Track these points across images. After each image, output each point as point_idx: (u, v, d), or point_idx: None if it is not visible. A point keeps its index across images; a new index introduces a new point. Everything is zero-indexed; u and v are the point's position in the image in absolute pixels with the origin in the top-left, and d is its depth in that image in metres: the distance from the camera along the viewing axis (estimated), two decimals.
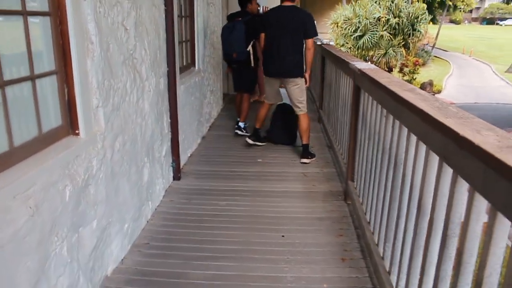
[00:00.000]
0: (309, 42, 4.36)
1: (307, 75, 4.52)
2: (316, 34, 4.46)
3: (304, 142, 4.52)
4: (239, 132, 5.40)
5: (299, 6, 5.00)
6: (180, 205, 3.48)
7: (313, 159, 4.50)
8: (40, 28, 1.96)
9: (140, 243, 2.89)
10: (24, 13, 1.81)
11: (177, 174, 3.89)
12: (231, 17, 5.26)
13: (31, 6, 1.88)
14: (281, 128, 5.09)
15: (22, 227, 1.66)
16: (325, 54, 5.80)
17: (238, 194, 3.68)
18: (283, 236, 2.99)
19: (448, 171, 1.50)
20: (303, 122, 4.52)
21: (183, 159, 4.19)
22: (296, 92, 4.47)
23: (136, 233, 2.94)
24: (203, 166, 4.36)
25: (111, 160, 2.51)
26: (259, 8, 5.71)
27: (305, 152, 4.50)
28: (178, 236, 2.99)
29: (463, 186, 1.40)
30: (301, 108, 4.50)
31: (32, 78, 1.89)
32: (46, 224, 1.84)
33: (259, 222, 3.19)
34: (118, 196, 2.63)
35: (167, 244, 2.89)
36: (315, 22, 4.47)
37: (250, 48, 5.08)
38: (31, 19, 1.86)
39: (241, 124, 5.46)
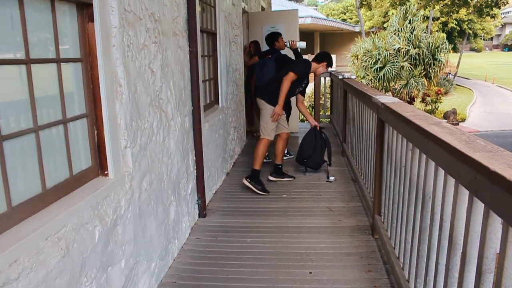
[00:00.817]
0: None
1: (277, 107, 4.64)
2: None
3: (254, 167, 4.66)
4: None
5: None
6: (206, 242, 3.47)
7: (257, 188, 4.57)
8: (72, 73, 2.04)
9: (167, 281, 2.88)
10: (58, 61, 1.90)
11: (203, 211, 3.91)
12: (263, 55, 5.83)
13: (64, 53, 1.96)
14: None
15: (53, 269, 1.69)
16: (347, 88, 5.83)
17: (263, 230, 3.66)
18: (310, 272, 2.94)
19: (479, 205, 1.47)
20: (258, 146, 4.72)
21: (208, 196, 4.21)
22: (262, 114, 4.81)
23: (163, 271, 2.94)
24: (228, 203, 4.37)
25: (139, 200, 2.54)
26: (286, 43, 5.92)
27: (252, 176, 4.64)
28: (205, 274, 2.97)
29: (496, 221, 1.37)
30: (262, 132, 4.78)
31: (64, 121, 1.96)
32: (76, 265, 1.87)
33: (285, 259, 3.15)
34: (146, 235, 2.65)
35: (193, 283, 2.88)
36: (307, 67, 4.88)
37: None
38: (64, 66, 1.94)
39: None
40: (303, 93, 5.17)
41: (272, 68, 5.09)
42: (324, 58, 4.93)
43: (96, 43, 2.12)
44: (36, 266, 1.57)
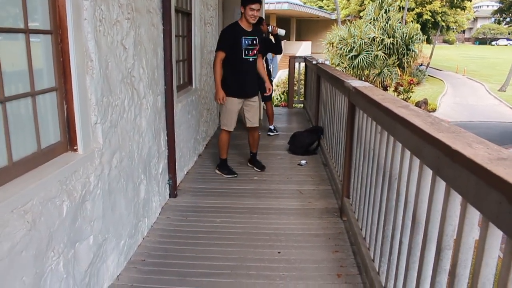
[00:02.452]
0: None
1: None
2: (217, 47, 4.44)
3: (220, 157, 4.70)
4: (272, 134, 6.59)
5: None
6: (176, 222, 3.48)
7: (224, 173, 4.62)
8: (42, 45, 2.00)
9: (136, 259, 2.89)
10: (27, 31, 1.85)
11: (174, 191, 3.90)
12: None
13: (33, 25, 1.92)
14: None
15: (19, 242, 1.67)
16: (320, 73, 5.87)
17: (234, 211, 3.69)
18: (279, 252, 2.99)
19: (441, 184, 1.53)
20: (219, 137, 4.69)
21: (179, 177, 4.20)
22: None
23: (132, 249, 2.94)
24: (199, 183, 4.37)
25: (108, 177, 2.52)
26: (268, 28, 6.21)
27: (219, 165, 4.72)
28: (174, 253, 2.98)
29: (456, 199, 1.43)
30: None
31: (33, 94, 1.92)
32: (43, 239, 1.85)
33: (255, 239, 3.19)
34: (115, 213, 2.64)
35: (163, 261, 2.88)
36: (221, 36, 4.48)
37: None
38: (33, 37, 1.90)
39: (271, 127, 6.65)
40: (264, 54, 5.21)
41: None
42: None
43: (67, 16, 2.07)
44: (1, 239, 1.56)
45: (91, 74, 2.28)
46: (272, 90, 4.70)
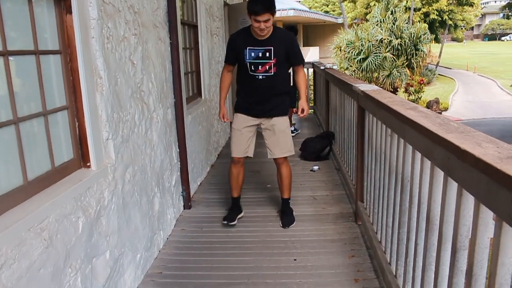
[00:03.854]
0: None
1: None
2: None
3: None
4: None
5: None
6: (192, 233, 3.49)
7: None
8: (52, 65, 2.04)
9: (153, 272, 2.90)
10: (37, 53, 1.89)
11: (188, 202, 3.92)
12: None
13: (43, 45, 1.96)
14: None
15: (37, 260, 1.70)
16: (328, 78, 5.88)
17: (248, 220, 3.69)
18: (295, 259, 2.99)
19: (453, 185, 1.52)
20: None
21: (193, 188, 4.23)
22: None
23: (148, 262, 2.95)
24: (212, 194, 4.39)
25: (122, 191, 2.55)
26: None
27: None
28: (191, 264, 3.00)
29: (469, 199, 1.42)
30: None
31: (45, 113, 1.96)
32: (60, 256, 1.88)
33: (270, 246, 3.19)
34: (130, 227, 2.66)
35: (179, 273, 2.90)
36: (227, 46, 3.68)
37: None
38: (43, 58, 1.94)
39: (292, 128, 6.53)
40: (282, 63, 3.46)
41: None
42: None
43: (75, 35, 2.11)
44: (19, 257, 1.58)
45: (100, 91, 2.31)
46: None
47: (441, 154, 1.55)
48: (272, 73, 3.30)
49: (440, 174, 1.66)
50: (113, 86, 2.44)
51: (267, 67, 3.28)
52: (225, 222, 3.51)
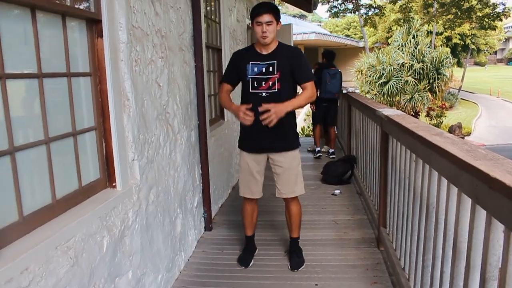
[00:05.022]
0: None
1: None
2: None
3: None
4: (332, 156, 6.96)
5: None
6: (212, 255, 3.49)
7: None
8: (82, 87, 2.10)
9: None
10: (68, 75, 1.95)
11: (209, 224, 3.93)
12: (327, 66, 7.00)
13: (74, 67, 2.02)
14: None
15: (63, 278, 1.72)
16: (351, 101, 5.88)
17: (269, 243, 3.67)
18: (316, 285, 2.95)
19: (482, 213, 1.49)
20: None
21: (214, 210, 4.23)
22: None
23: (169, 283, 2.95)
24: (234, 216, 4.38)
25: (146, 212, 2.57)
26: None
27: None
28: (211, 287, 2.98)
29: (499, 228, 1.39)
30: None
31: (74, 134, 2.00)
32: (85, 274, 1.90)
33: (291, 271, 3.16)
34: (152, 247, 2.67)
35: None
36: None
37: None
38: (74, 80, 2.00)
39: (331, 151, 7.11)
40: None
41: (341, 79, 6.96)
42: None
43: (105, 58, 2.18)
44: (46, 275, 1.61)
45: (128, 112, 2.36)
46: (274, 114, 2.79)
47: (468, 181, 1.53)
48: (276, 90, 2.93)
49: (467, 201, 1.64)
50: (139, 107, 2.49)
51: (271, 83, 2.94)
52: (242, 266, 3.25)
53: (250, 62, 2.98)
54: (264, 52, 2.99)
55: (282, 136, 3.05)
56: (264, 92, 2.96)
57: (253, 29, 2.96)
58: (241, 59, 3.06)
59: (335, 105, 7.30)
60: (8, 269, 1.42)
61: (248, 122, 2.84)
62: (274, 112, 2.77)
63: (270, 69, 2.94)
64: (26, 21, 1.69)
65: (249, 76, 2.98)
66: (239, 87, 3.21)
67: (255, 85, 2.98)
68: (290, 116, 3.03)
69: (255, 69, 2.96)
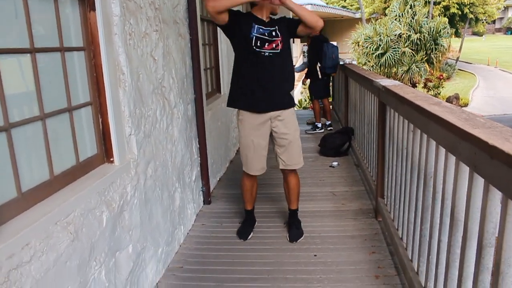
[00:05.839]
0: None
1: None
2: None
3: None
4: (329, 128, 6.98)
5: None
6: (212, 228, 3.52)
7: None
8: (76, 62, 2.07)
9: (174, 267, 2.93)
10: (62, 50, 1.92)
11: (207, 198, 3.95)
12: (324, 39, 6.87)
13: (67, 42, 1.99)
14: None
15: (63, 252, 1.73)
16: (348, 73, 5.84)
17: (267, 215, 3.70)
18: (315, 255, 2.98)
19: (480, 181, 1.50)
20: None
21: (212, 183, 4.25)
22: None
23: (169, 257, 2.98)
24: (232, 189, 4.40)
25: (144, 186, 2.58)
26: None
27: None
28: (211, 259, 3.02)
29: (496, 196, 1.40)
30: None
31: (69, 109, 1.98)
32: (85, 249, 1.91)
33: (290, 243, 3.19)
34: (152, 221, 2.69)
35: (200, 267, 2.92)
36: None
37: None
38: (67, 55, 1.97)
39: (328, 122, 7.15)
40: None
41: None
42: None
43: (98, 32, 2.14)
44: (47, 250, 1.62)
45: (123, 87, 2.34)
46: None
47: (466, 149, 1.53)
48: (279, 50, 2.99)
49: (465, 170, 1.64)
50: (135, 82, 2.47)
51: (274, 45, 2.98)
52: (241, 239, 3.29)
53: (254, 24, 2.97)
54: (266, 19, 3.02)
55: (285, 93, 3.11)
56: (267, 52, 2.97)
57: None
58: (246, 18, 3.02)
59: (330, 77, 7.34)
60: (9, 245, 1.42)
61: None
62: None
63: (273, 33, 2.99)
64: None
65: (253, 34, 2.95)
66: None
67: (259, 44, 2.96)
68: (290, 75, 3.14)
69: (260, 30, 2.97)
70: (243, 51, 3.02)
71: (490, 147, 1.29)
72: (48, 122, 1.82)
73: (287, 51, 3.07)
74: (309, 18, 2.90)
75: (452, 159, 1.77)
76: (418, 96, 2.37)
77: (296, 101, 10.66)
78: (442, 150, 1.90)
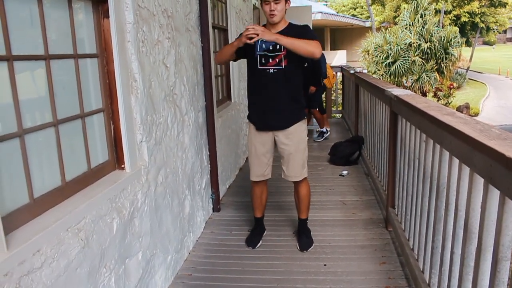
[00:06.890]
0: None
1: None
2: None
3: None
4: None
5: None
6: (221, 236, 3.51)
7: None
8: (89, 68, 2.08)
9: (183, 274, 2.92)
10: (75, 56, 1.94)
11: (217, 205, 3.94)
12: None
13: (81, 49, 2.00)
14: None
15: (74, 259, 1.73)
16: (358, 82, 5.83)
17: (277, 224, 3.68)
18: (325, 265, 2.96)
19: (495, 193, 1.48)
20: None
21: (222, 191, 4.24)
22: None
23: (179, 264, 2.98)
24: (241, 197, 4.39)
25: (155, 193, 2.58)
26: None
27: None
28: (220, 267, 3.00)
29: None
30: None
31: (82, 116, 1.99)
32: (96, 256, 1.91)
33: (299, 251, 3.17)
34: (162, 228, 2.69)
35: (209, 275, 2.91)
36: None
37: None
38: (81, 61, 1.98)
39: (323, 129, 6.95)
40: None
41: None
42: None
43: (112, 39, 2.15)
44: (58, 256, 1.62)
45: (135, 94, 2.34)
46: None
47: (482, 161, 1.51)
48: (283, 66, 2.93)
49: (480, 182, 1.62)
50: (147, 89, 2.48)
51: (277, 60, 2.93)
52: (249, 247, 3.27)
53: (260, 40, 2.87)
54: (273, 31, 2.93)
55: (290, 113, 3.08)
56: (271, 68, 2.96)
57: (262, 8, 2.94)
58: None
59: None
60: (20, 251, 1.42)
61: (253, 31, 2.74)
62: (262, 30, 2.77)
63: (278, 46, 2.92)
64: (32, 2, 1.67)
65: (257, 53, 2.95)
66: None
67: (263, 61, 2.97)
68: (297, 93, 3.10)
69: (263, 46, 2.93)
70: (250, 69, 3.09)
71: (507, 159, 1.27)
72: (61, 128, 1.82)
73: (293, 67, 2.99)
74: (303, 51, 2.82)
75: (466, 170, 1.75)
76: (431, 106, 2.36)
77: None
78: (456, 161, 1.88)
